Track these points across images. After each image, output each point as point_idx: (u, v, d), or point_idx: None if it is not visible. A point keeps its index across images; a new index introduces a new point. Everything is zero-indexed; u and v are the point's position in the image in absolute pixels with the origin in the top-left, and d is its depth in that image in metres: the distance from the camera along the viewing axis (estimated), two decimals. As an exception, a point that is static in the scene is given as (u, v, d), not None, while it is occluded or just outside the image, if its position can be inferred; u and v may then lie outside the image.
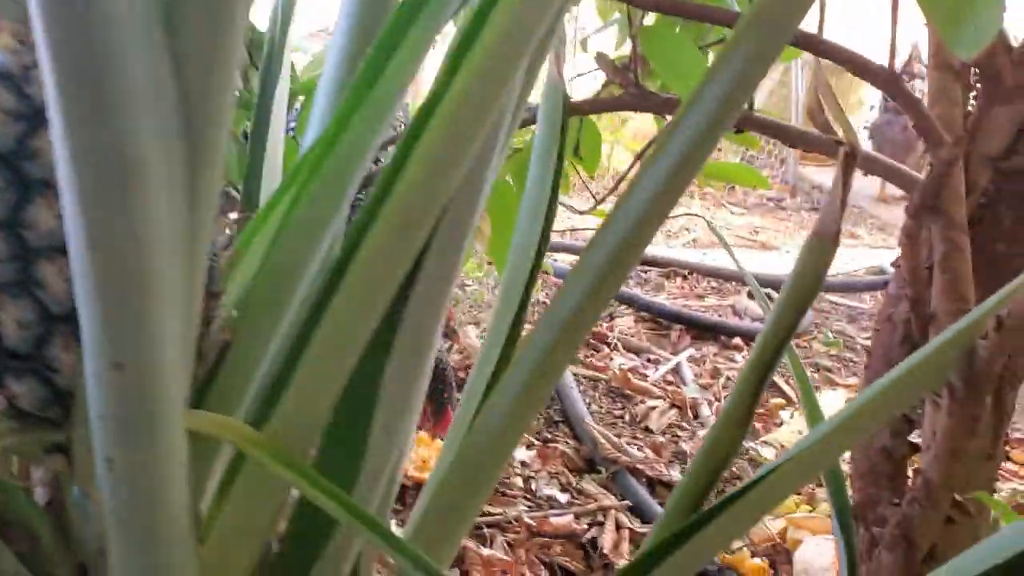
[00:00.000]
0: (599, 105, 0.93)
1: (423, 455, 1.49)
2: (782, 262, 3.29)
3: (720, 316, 2.45)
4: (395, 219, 0.46)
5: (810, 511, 1.41)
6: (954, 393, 0.59)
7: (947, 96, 0.66)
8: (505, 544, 1.34)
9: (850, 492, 0.90)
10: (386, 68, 0.49)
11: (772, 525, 1.40)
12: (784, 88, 5.00)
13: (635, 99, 0.91)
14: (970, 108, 0.80)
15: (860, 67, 0.58)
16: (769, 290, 2.67)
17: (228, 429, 0.47)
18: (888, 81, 0.56)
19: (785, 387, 1.97)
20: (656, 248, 3.22)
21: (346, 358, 0.48)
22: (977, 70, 0.78)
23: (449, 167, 0.46)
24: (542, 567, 1.31)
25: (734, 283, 2.75)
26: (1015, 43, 0.78)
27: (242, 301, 0.53)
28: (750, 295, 2.65)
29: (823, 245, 0.61)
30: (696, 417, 1.83)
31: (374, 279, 0.47)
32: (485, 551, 1.30)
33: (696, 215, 1.51)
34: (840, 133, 0.64)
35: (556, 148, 0.89)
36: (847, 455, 0.92)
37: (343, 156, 0.50)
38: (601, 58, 0.97)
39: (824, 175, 4.96)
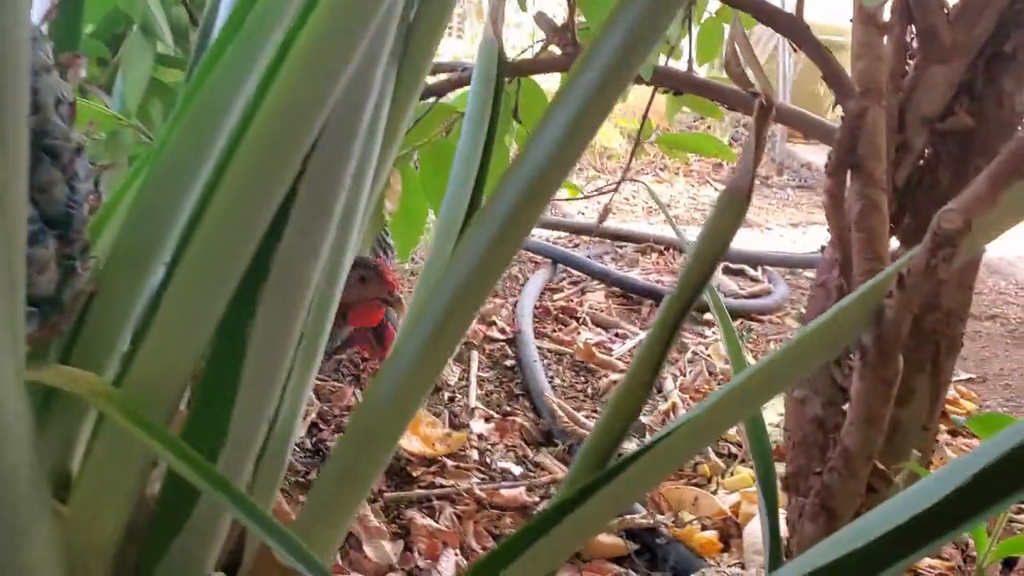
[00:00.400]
0: (536, 65, 0.91)
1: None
2: (763, 239, 3.27)
3: (693, 292, 2.42)
4: (252, 159, 0.44)
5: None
6: (865, 356, 0.57)
7: (871, 51, 0.63)
8: (454, 516, 1.32)
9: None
10: (253, 8, 0.47)
11: (727, 499, 1.39)
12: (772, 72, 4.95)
13: (572, 59, 0.88)
14: (908, 69, 0.77)
15: (767, 16, 0.55)
16: (743, 266, 2.66)
17: (77, 383, 0.45)
18: (794, 29, 0.53)
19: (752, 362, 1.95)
20: (636, 224, 3.19)
21: (205, 309, 0.46)
22: (914, 29, 0.76)
23: (307, 106, 0.43)
24: (490, 539, 1.29)
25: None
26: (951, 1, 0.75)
27: (110, 252, 0.50)
28: (725, 271, 2.63)
29: (736, 201, 0.58)
30: (660, 392, 1.81)
31: (231, 225, 0.45)
32: (432, 523, 1.29)
33: (639, 180, 1.48)
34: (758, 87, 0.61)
35: (489, 105, 0.87)
36: (781, 426, 0.91)
37: (208, 100, 0.47)
38: (540, 17, 0.94)
39: (813, 153, 4.92)
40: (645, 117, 1.52)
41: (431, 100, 1.05)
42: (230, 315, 0.47)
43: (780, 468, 0.87)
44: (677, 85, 0.81)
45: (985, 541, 0.85)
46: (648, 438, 1.58)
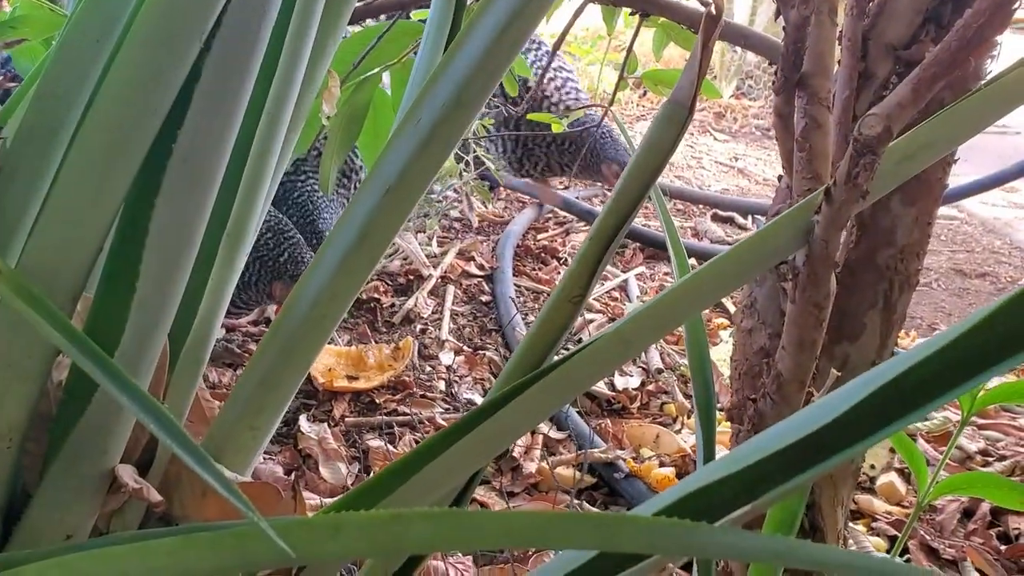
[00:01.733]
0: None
1: (327, 363, 1.47)
2: (756, 189, 3.24)
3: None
4: (147, 29, 0.42)
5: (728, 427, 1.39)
6: (797, 278, 0.55)
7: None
8: (413, 443, 1.32)
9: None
10: None
11: (689, 439, 1.39)
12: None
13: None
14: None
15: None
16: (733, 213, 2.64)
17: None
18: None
19: (731, 307, 1.95)
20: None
21: (101, 187, 0.44)
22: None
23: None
24: (449, 467, 1.29)
25: (700, 206, 2.70)
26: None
27: (15, 130, 0.49)
28: (714, 218, 2.61)
29: (677, 112, 0.57)
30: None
31: (126, 100, 0.43)
32: (391, 448, 1.29)
33: (602, 105, 1.44)
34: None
35: (449, 19, 0.84)
36: (727, 358, 0.90)
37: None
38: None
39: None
40: (629, 51, 1.49)
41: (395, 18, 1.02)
42: (132, 200, 0.46)
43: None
44: (642, 6, 0.78)
45: (926, 480, 0.85)
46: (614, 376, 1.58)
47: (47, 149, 0.47)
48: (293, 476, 1.19)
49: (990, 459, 1.46)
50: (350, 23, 1.15)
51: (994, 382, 1.04)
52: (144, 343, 0.49)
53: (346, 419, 1.38)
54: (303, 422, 1.34)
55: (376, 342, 1.66)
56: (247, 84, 0.47)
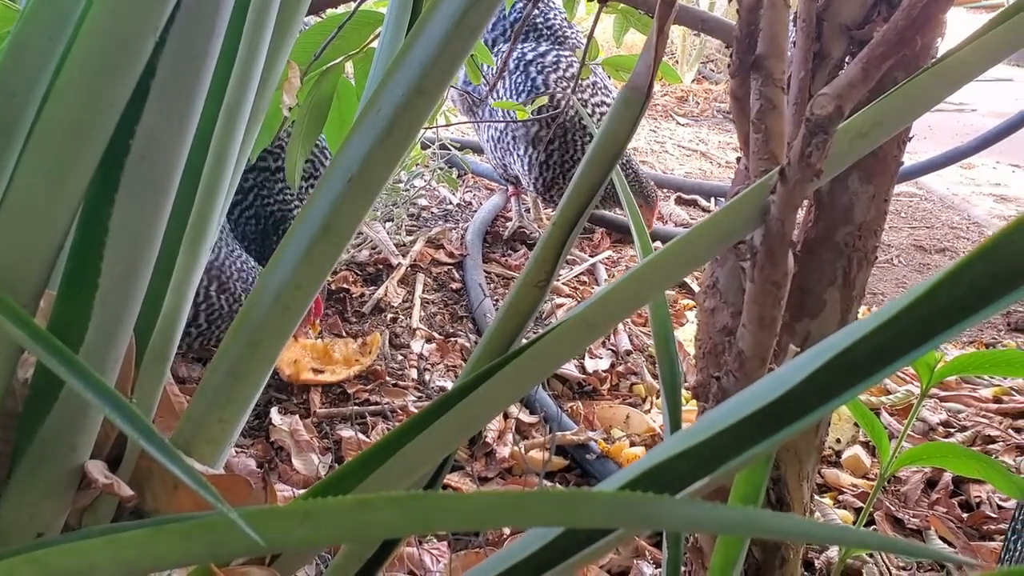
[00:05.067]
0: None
1: (293, 356, 1.46)
2: (718, 172, 3.27)
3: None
4: (101, 22, 0.42)
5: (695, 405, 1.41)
6: (755, 257, 0.56)
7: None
8: (385, 431, 1.32)
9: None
10: None
11: (659, 418, 1.41)
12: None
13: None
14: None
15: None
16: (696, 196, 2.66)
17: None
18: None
19: (697, 288, 1.97)
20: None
21: (60, 182, 0.44)
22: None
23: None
24: (422, 455, 1.30)
25: (665, 190, 2.72)
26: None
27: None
28: (677, 201, 2.62)
29: (634, 97, 0.57)
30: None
31: (81, 97, 0.43)
32: (363, 437, 1.29)
33: (570, 95, 1.45)
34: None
35: (410, 6, 0.84)
36: (693, 338, 0.91)
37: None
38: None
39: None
40: (590, 37, 1.50)
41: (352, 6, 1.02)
42: (91, 197, 0.46)
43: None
44: (600, -10, 0.79)
45: (888, 452, 0.87)
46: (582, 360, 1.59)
47: (2, 148, 0.47)
48: (265, 468, 1.19)
49: (952, 430, 1.50)
50: (310, 13, 1.15)
51: (954, 354, 1.06)
52: (109, 339, 0.49)
53: (318, 411, 1.38)
54: (274, 414, 1.33)
55: (347, 333, 1.66)
56: (204, 78, 0.47)
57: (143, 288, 0.49)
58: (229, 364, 0.58)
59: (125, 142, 0.45)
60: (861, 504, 1.28)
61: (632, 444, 1.32)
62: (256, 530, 0.32)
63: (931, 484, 1.36)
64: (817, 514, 1.21)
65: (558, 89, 1.91)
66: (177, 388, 0.66)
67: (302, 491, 1.15)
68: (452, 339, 1.67)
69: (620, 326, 1.73)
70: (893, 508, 1.28)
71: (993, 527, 1.26)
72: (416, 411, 1.41)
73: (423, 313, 1.77)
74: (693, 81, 4.73)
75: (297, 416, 1.35)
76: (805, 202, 0.84)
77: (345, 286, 1.82)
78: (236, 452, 1.24)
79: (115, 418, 0.38)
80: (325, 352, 1.51)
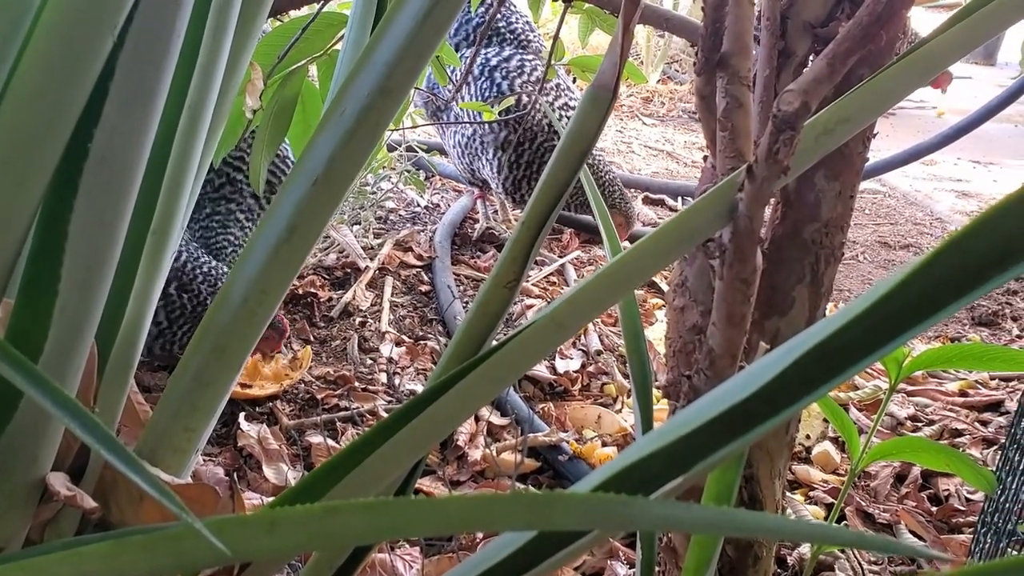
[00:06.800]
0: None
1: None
2: (685, 172, 3.28)
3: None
4: (56, 25, 0.41)
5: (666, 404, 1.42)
6: (724, 255, 0.56)
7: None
8: (356, 436, 1.31)
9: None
10: None
11: (630, 418, 1.41)
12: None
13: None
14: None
15: None
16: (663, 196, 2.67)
17: None
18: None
19: (666, 288, 1.97)
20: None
21: (15, 189, 0.43)
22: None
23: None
24: (394, 459, 1.29)
25: (632, 190, 2.73)
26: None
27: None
28: (645, 201, 2.63)
29: (601, 95, 0.57)
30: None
31: (37, 99, 0.42)
32: (333, 443, 1.28)
33: (543, 93, 1.45)
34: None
35: (373, 7, 0.84)
36: (663, 336, 0.91)
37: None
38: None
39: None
40: (556, 38, 1.50)
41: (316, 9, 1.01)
42: (49, 201, 0.45)
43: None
44: (565, -11, 0.79)
45: (858, 447, 0.88)
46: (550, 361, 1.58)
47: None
48: (233, 476, 1.17)
49: (920, 424, 1.51)
50: (272, 15, 1.14)
51: (920, 348, 1.07)
52: (69, 348, 0.48)
53: (286, 417, 1.36)
54: (242, 422, 1.32)
55: (315, 338, 1.65)
56: (164, 79, 0.46)
57: (104, 295, 0.48)
58: (195, 370, 0.57)
59: (84, 145, 0.44)
60: (832, 500, 1.29)
61: (604, 444, 1.32)
62: (222, 540, 0.31)
63: (900, 478, 1.37)
64: (789, 511, 1.21)
65: (524, 93, 1.91)
66: (142, 397, 0.65)
67: (271, 499, 1.14)
68: (422, 342, 1.66)
69: (590, 326, 1.73)
70: (864, 503, 1.29)
71: (962, 520, 1.27)
72: (386, 415, 1.40)
73: (392, 316, 1.75)
74: (658, 82, 4.75)
75: (265, 424, 1.33)
76: (772, 200, 0.84)
77: (313, 290, 1.81)
78: (204, 460, 1.22)
79: (76, 428, 0.37)
80: (253, 367, 1.47)
